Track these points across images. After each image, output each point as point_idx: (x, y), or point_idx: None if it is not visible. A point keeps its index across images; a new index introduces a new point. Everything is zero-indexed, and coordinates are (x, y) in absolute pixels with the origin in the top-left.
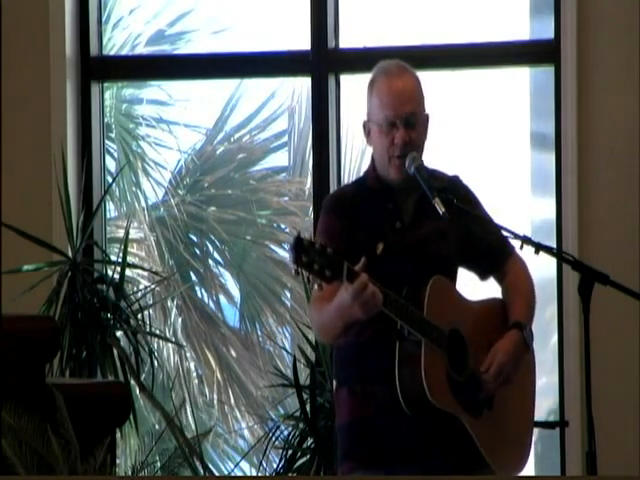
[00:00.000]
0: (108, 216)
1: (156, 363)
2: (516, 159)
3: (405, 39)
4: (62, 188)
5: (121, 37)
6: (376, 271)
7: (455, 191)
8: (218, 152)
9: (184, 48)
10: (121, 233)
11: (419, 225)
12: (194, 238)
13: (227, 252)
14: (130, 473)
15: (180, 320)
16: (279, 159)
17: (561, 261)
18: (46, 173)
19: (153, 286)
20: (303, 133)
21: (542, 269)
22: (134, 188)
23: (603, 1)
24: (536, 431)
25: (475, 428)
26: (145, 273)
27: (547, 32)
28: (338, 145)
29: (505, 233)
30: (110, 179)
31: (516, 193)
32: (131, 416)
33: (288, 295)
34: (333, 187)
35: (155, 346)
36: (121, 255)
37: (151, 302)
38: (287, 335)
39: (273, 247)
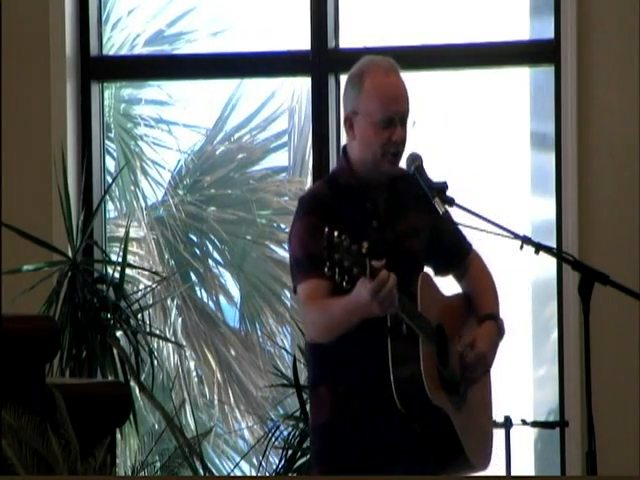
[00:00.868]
0: (108, 216)
1: (156, 363)
2: (516, 159)
3: (405, 39)
4: (62, 188)
5: (120, 37)
6: None
7: (412, 184)
8: (218, 152)
9: (184, 48)
10: (121, 233)
11: (394, 223)
12: (194, 238)
13: (227, 252)
14: (130, 473)
15: (180, 320)
16: (279, 159)
17: (561, 261)
18: (46, 173)
19: (153, 286)
20: (303, 133)
21: (542, 269)
22: (134, 188)
23: (603, 1)
24: (536, 431)
25: (457, 420)
26: (145, 273)
27: (547, 32)
28: (338, 145)
29: (505, 233)
30: (110, 179)
31: (516, 193)
32: (131, 416)
33: (288, 295)
34: None
35: (155, 346)
36: (121, 255)
37: (151, 302)
38: (287, 335)
39: (273, 247)
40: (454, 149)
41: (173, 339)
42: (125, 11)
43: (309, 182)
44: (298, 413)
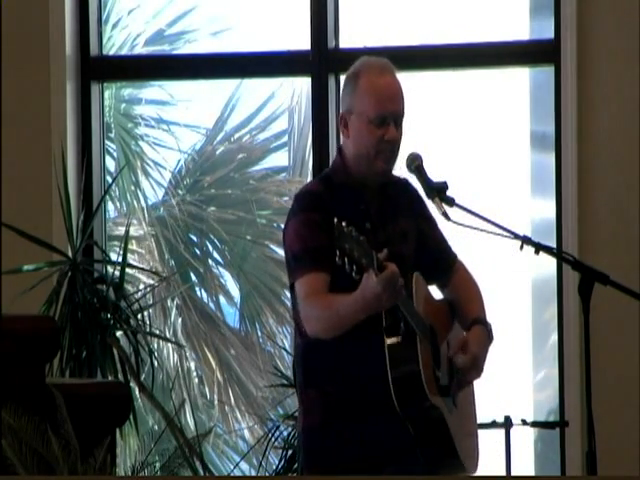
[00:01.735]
0: (108, 216)
1: (156, 363)
2: (516, 159)
3: (405, 39)
4: (62, 188)
5: (121, 37)
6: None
7: (402, 191)
8: (218, 152)
9: (184, 48)
10: (121, 233)
11: (385, 226)
12: (194, 238)
13: (227, 252)
14: (130, 473)
15: (180, 320)
16: (279, 159)
17: (561, 261)
18: (46, 173)
19: (153, 286)
20: (303, 133)
21: (542, 269)
22: (134, 188)
23: (603, 1)
24: (536, 431)
25: (450, 423)
26: (145, 273)
27: (547, 32)
28: (338, 145)
29: (505, 233)
30: (110, 179)
31: (516, 193)
32: (131, 416)
33: (288, 295)
34: None
35: (155, 346)
36: (121, 255)
37: (151, 302)
38: (287, 335)
39: (273, 247)
40: (454, 149)
41: (173, 339)
42: (125, 11)
43: None
44: (298, 413)
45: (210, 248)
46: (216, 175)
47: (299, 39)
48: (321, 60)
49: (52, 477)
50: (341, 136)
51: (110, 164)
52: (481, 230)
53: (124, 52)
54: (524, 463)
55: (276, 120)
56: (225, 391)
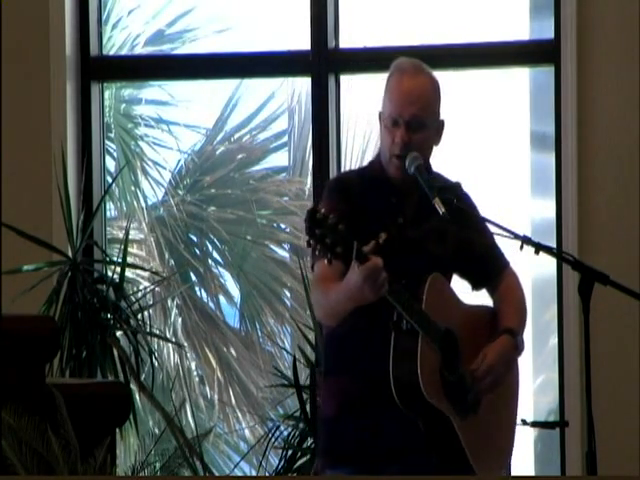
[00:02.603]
0: (108, 216)
1: (156, 363)
2: (516, 159)
3: (405, 39)
4: (62, 188)
5: (121, 37)
6: None
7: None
8: (218, 152)
9: (184, 48)
10: (121, 233)
11: (420, 223)
12: (194, 238)
13: (227, 252)
14: (130, 473)
15: (180, 320)
16: (279, 159)
17: (561, 261)
18: (46, 173)
19: (153, 286)
20: (303, 133)
21: (542, 269)
22: (134, 188)
23: (603, 1)
24: (536, 431)
25: (461, 429)
26: (145, 273)
27: (547, 32)
28: (338, 145)
29: (505, 233)
30: (110, 179)
31: (516, 193)
32: (131, 416)
33: (288, 295)
34: None
35: (155, 346)
36: (121, 255)
37: (151, 302)
38: (287, 335)
39: (273, 247)
40: (454, 149)
41: (173, 339)
42: (125, 11)
43: (309, 182)
44: (298, 413)
45: (210, 248)
46: (216, 175)
47: (299, 39)
48: (321, 60)
49: (52, 477)
50: None
51: (110, 164)
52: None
53: (125, 52)
54: (524, 463)
55: (276, 120)
56: (225, 391)
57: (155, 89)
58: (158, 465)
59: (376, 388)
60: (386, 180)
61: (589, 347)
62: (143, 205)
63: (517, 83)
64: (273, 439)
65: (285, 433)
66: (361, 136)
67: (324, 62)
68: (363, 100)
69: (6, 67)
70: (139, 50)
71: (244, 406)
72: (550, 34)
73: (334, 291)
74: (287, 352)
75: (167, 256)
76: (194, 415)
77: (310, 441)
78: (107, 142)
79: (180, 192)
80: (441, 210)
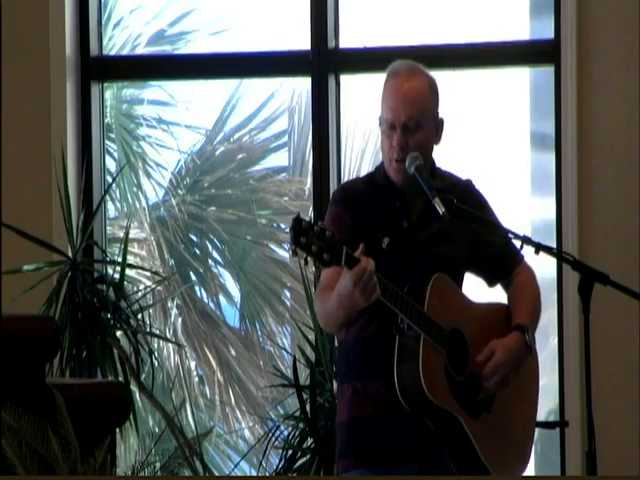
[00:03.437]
0: (108, 216)
1: (156, 363)
2: (516, 159)
3: (405, 39)
4: (62, 188)
5: (121, 37)
6: (379, 268)
7: (462, 195)
8: (218, 152)
9: (184, 48)
10: (121, 233)
11: (425, 226)
12: (194, 238)
13: (227, 252)
14: (130, 473)
15: (180, 320)
16: (279, 159)
17: (561, 261)
18: (46, 173)
19: (153, 286)
20: (303, 133)
21: (542, 269)
22: (135, 188)
23: (603, 1)
24: (536, 431)
25: (473, 429)
26: (145, 273)
27: (547, 32)
28: (338, 145)
29: (505, 233)
30: (110, 179)
31: (516, 193)
32: (131, 416)
33: (288, 295)
34: (333, 187)
35: (155, 346)
36: (121, 255)
37: (151, 302)
38: (287, 335)
39: (273, 247)
40: (454, 149)
41: (173, 339)
42: (126, 11)
43: (309, 182)
44: (298, 413)
45: (210, 248)
46: (216, 175)
47: (299, 39)
48: (321, 60)
49: (52, 477)
50: None
51: (110, 164)
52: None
53: (126, 52)
54: None
55: (276, 120)
56: (225, 391)
57: (155, 89)
58: (158, 465)
59: (389, 391)
60: (390, 185)
61: (589, 347)
62: (144, 205)
63: (517, 83)
64: (273, 439)
65: (285, 433)
66: (361, 136)
67: (324, 62)
68: (363, 100)
69: (6, 67)
70: (141, 50)
71: (244, 406)
72: (550, 34)
73: (329, 299)
74: (287, 352)
75: (167, 256)
76: (194, 415)
77: (310, 441)
78: (108, 142)
79: (180, 192)
80: (441, 210)
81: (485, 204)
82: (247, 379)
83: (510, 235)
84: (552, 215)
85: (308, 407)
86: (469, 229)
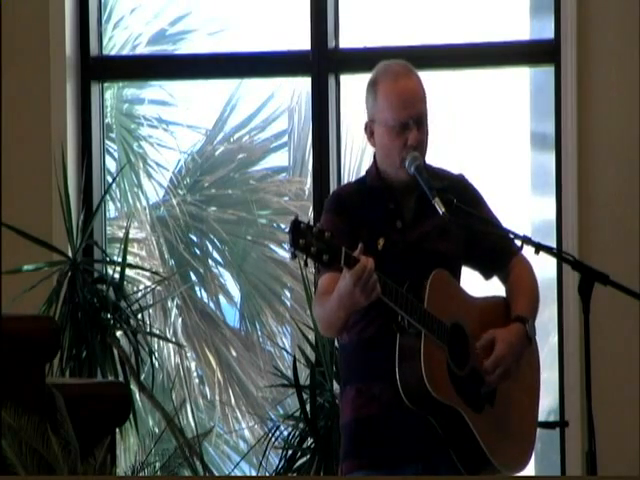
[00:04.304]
0: (108, 216)
1: (156, 363)
2: (516, 159)
3: (405, 39)
4: (62, 188)
5: (122, 37)
6: (377, 269)
7: (457, 190)
8: (218, 152)
9: (184, 48)
10: (121, 233)
11: (420, 224)
12: (194, 238)
13: (227, 252)
14: (130, 473)
15: (180, 320)
16: (279, 159)
17: (561, 261)
18: (46, 173)
19: (153, 286)
20: (303, 133)
21: (542, 269)
22: (135, 188)
23: (603, 1)
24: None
25: (476, 423)
26: (145, 273)
27: (547, 32)
28: (338, 145)
29: (505, 233)
30: (110, 179)
31: (516, 193)
32: (131, 416)
33: (288, 295)
34: (333, 187)
35: (155, 346)
36: (121, 255)
37: (151, 302)
38: (287, 335)
39: (273, 247)
40: (454, 149)
41: (173, 339)
42: (126, 11)
43: (309, 182)
44: (298, 413)
45: (210, 248)
46: (216, 175)
47: (299, 39)
48: (321, 60)
49: (52, 477)
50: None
51: (110, 164)
52: (481, 230)
53: (126, 51)
54: None
55: (276, 120)
56: (225, 391)
57: (155, 89)
58: (158, 465)
59: (392, 391)
60: (384, 187)
61: (589, 347)
62: (144, 205)
63: (517, 83)
64: (273, 439)
65: (285, 433)
66: (361, 136)
67: (324, 62)
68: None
69: (6, 67)
70: (141, 49)
71: (244, 406)
72: (550, 34)
73: (328, 302)
74: (287, 352)
75: (167, 256)
76: (194, 415)
77: (310, 441)
78: (108, 142)
79: (180, 192)
80: (441, 210)
81: (481, 200)
82: (247, 379)
83: (510, 235)
84: (552, 215)
85: (308, 407)
86: (464, 223)
